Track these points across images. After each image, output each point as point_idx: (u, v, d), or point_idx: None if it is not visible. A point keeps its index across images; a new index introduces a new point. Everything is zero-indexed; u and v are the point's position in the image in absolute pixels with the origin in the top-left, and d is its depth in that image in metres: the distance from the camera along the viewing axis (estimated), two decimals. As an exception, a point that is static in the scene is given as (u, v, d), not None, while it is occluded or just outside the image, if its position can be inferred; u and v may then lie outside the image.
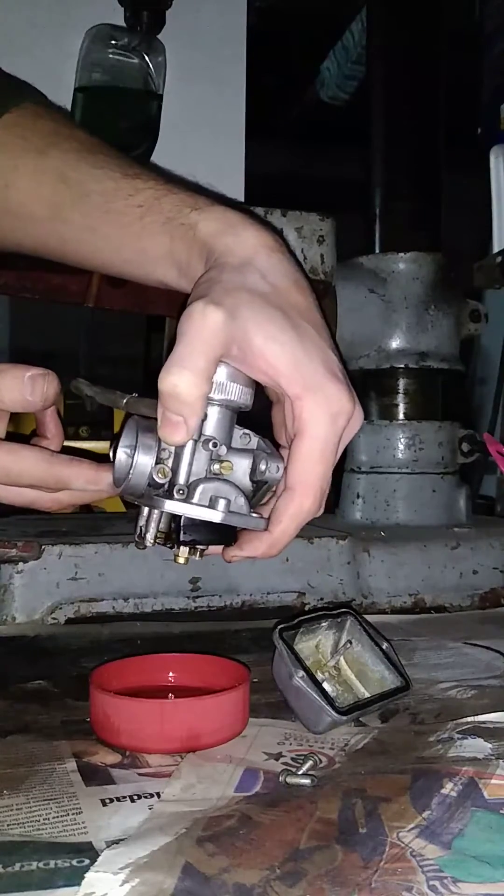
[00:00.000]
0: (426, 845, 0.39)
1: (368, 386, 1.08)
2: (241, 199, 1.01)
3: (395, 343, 1.04)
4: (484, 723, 0.53)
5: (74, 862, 0.37)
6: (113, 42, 0.92)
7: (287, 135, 1.99)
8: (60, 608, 0.79)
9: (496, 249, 1.00)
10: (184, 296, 0.54)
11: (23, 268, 0.71)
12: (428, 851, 0.38)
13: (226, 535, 0.53)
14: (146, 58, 0.93)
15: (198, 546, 0.53)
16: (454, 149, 1.10)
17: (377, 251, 1.11)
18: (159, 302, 0.59)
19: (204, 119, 1.01)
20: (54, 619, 0.79)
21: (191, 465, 0.51)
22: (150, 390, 0.51)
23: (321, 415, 0.50)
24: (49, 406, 0.54)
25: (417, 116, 1.12)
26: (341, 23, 1.53)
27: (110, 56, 0.92)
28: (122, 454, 0.52)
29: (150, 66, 0.94)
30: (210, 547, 0.55)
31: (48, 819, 0.42)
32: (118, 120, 0.94)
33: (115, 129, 0.93)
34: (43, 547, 0.79)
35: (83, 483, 0.54)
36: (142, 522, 0.53)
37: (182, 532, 0.51)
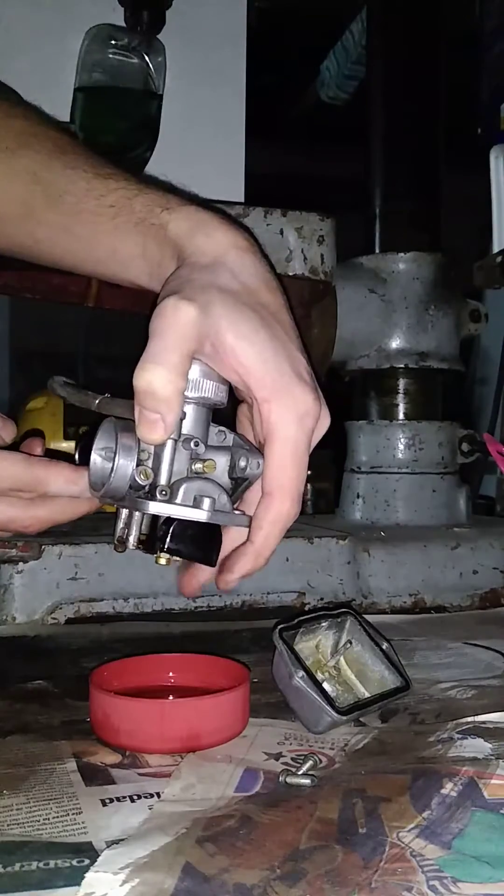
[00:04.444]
0: (426, 845, 0.39)
1: (368, 386, 1.08)
2: (241, 199, 1.01)
3: (395, 343, 1.04)
4: (484, 723, 0.53)
5: (74, 862, 0.37)
6: (113, 42, 0.92)
7: (287, 135, 1.99)
8: (60, 608, 0.79)
9: (496, 249, 1.00)
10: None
11: (23, 268, 0.71)
12: (428, 851, 0.38)
13: (210, 542, 0.52)
14: (146, 58, 0.93)
15: (182, 555, 0.52)
16: (454, 149, 1.10)
17: (377, 251, 1.11)
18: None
19: (204, 119, 1.01)
20: (54, 619, 0.79)
21: (172, 464, 0.50)
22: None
23: (289, 417, 0.50)
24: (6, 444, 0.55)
25: (417, 116, 1.12)
26: (341, 23, 1.53)
27: (110, 56, 0.92)
28: (97, 457, 0.51)
29: (151, 66, 0.93)
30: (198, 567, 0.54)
31: (48, 819, 0.42)
32: (118, 120, 0.94)
33: (114, 128, 0.93)
34: (43, 547, 0.79)
35: (62, 483, 0.54)
36: (121, 525, 0.53)
37: (169, 539, 0.50)
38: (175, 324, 0.48)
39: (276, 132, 1.84)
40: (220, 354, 0.50)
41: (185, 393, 0.50)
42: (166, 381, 0.48)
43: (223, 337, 0.49)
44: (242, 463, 0.52)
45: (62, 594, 0.79)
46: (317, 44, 1.61)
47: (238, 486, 0.53)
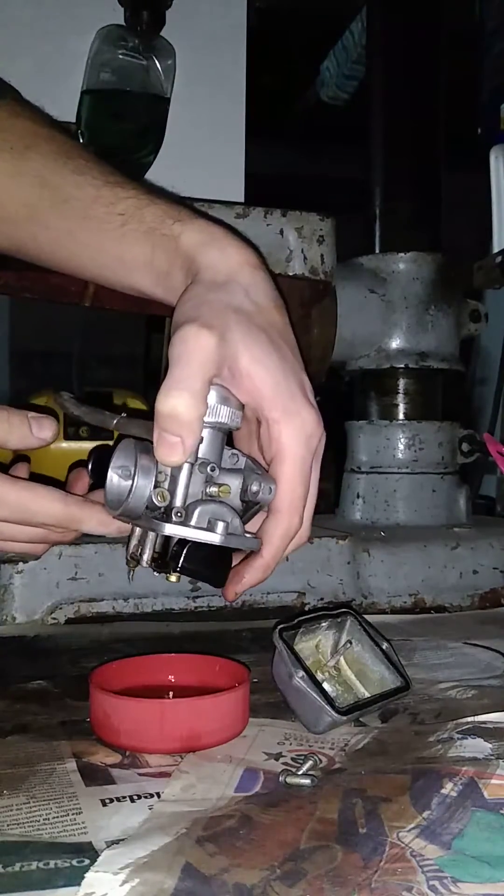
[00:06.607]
0: (426, 845, 0.39)
1: (368, 386, 1.08)
2: (241, 199, 1.01)
3: (395, 343, 1.04)
4: (484, 723, 0.53)
5: (74, 862, 0.37)
6: (123, 43, 0.92)
7: (287, 135, 1.99)
8: (60, 608, 0.79)
9: (496, 249, 1.00)
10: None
11: (23, 268, 0.71)
12: (428, 851, 0.38)
13: (221, 564, 0.53)
14: (156, 60, 0.93)
15: (195, 575, 0.53)
16: (454, 149, 1.09)
17: (377, 251, 1.11)
18: (159, 302, 0.59)
19: (204, 119, 1.00)
20: (54, 619, 0.79)
21: (188, 487, 0.51)
22: (151, 391, 0.51)
23: (298, 438, 0.52)
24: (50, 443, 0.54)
25: (417, 116, 1.12)
26: (341, 23, 1.53)
27: (120, 57, 0.92)
28: (114, 475, 0.52)
29: (160, 68, 0.93)
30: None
31: (48, 819, 0.42)
32: (125, 122, 0.94)
33: (120, 131, 0.93)
34: (43, 547, 0.79)
35: (95, 524, 0.55)
36: (134, 543, 0.53)
37: (183, 560, 0.51)
38: (197, 351, 0.50)
39: (276, 132, 1.84)
40: (236, 378, 0.51)
41: (203, 418, 0.51)
42: (190, 407, 0.49)
43: (239, 361, 0.51)
44: (255, 487, 0.53)
45: (62, 594, 0.79)
46: (317, 44, 1.61)
47: (249, 508, 0.54)
